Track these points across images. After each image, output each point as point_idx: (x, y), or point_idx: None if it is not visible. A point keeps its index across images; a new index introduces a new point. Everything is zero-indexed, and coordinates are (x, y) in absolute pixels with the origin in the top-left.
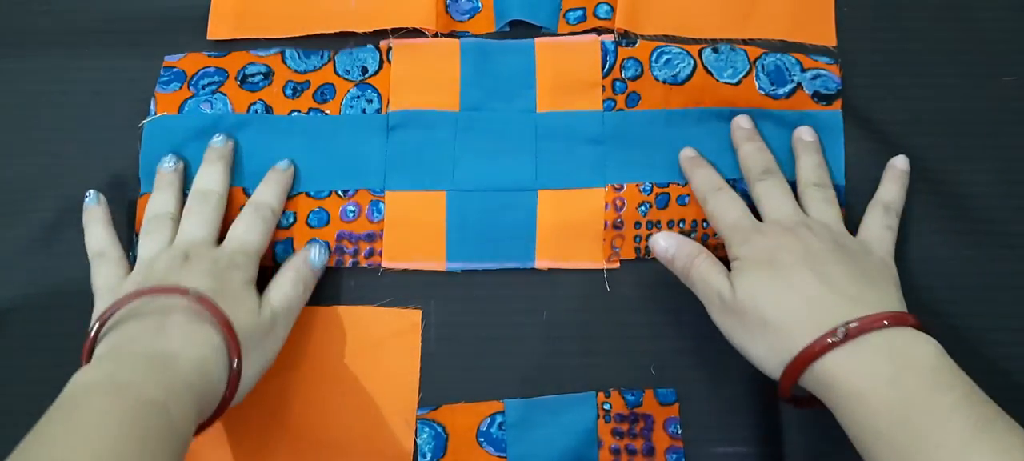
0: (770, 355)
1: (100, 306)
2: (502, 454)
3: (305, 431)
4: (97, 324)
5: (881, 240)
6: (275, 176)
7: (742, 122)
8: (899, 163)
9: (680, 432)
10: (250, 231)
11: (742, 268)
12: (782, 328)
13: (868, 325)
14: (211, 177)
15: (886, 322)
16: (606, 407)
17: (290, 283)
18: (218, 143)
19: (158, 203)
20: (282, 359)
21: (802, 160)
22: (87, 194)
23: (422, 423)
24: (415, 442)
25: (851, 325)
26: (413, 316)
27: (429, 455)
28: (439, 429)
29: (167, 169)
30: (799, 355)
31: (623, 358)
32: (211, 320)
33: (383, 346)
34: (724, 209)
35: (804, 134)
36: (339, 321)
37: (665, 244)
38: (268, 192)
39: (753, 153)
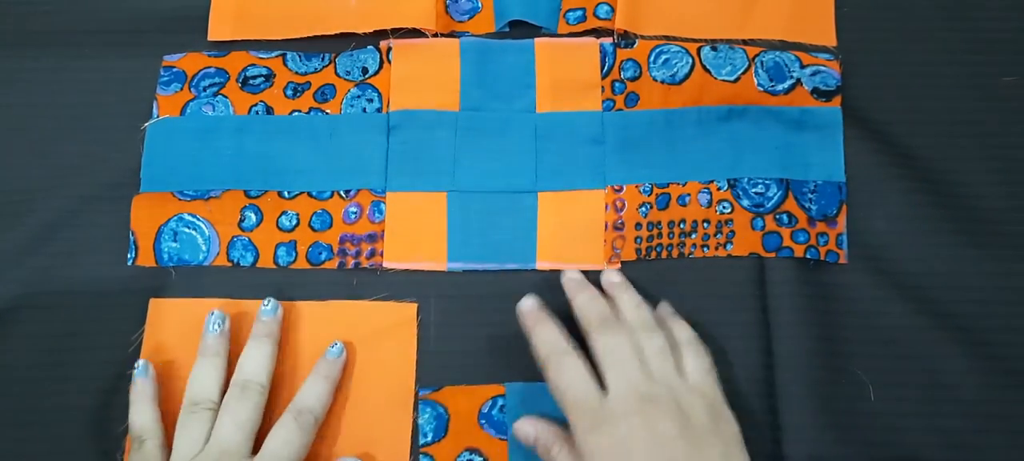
0: None
1: None
2: (503, 436)
3: None
4: None
5: (708, 384)
6: (323, 369)
7: (571, 274)
8: (663, 308)
9: None
10: (287, 445)
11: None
12: None
13: None
14: (255, 362)
15: None
16: None
17: None
18: (266, 315)
19: (199, 384)
20: (278, 354)
21: (620, 301)
22: (137, 365)
23: (424, 403)
24: (416, 422)
25: None
26: (409, 310)
27: (430, 434)
28: (441, 410)
29: (212, 335)
30: None
31: None
32: None
33: (379, 339)
34: (567, 381)
35: (612, 277)
36: (335, 315)
37: (526, 430)
38: (312, 394)
39: (587, 303)
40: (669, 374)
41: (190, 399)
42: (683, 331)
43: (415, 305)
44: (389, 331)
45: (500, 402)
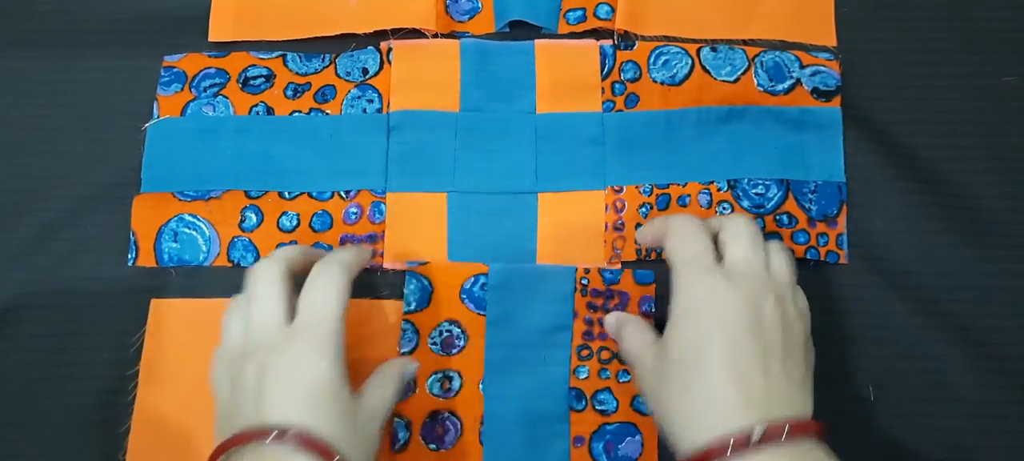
0: (683, 427)
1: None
2: (481, 312)
3: None
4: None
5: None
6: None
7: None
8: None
9: (653, 310)
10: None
11: (688, 306)
12: (703, 403)
13: (795, 430)
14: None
15: (813, 431)
16: (584, 281)
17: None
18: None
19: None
20: None
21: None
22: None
23: (409, 275)
24: (402, 292)
25: (773, 426)
26: (400, 306)
27: (413, 304)
28: (425, 282)
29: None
30: (707, 450)
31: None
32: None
33: (372, 338)
34: (684, 239)
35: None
36: None
37: (609, 321)
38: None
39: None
40: (784, 273)
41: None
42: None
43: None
44: (385, 331)
45: (482, 280)
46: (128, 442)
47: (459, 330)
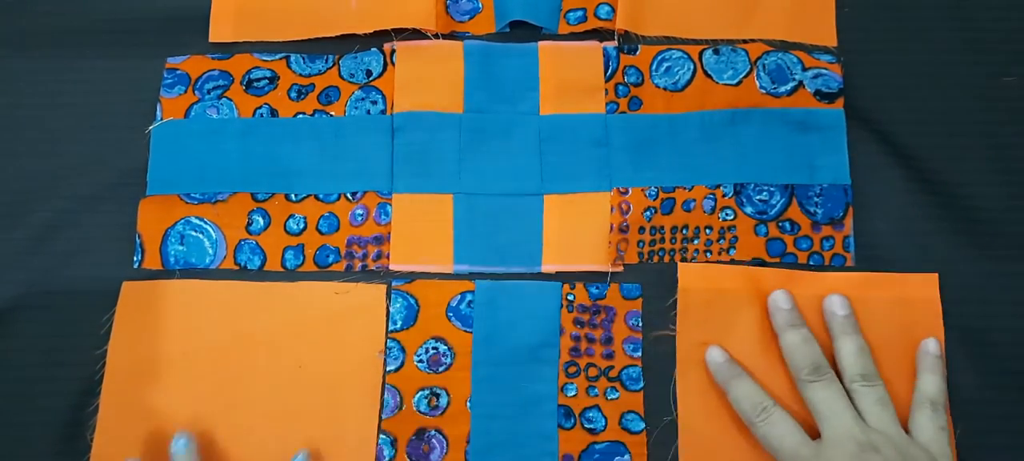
0: None
1: None
2: (468, 329)
3: (266, 404)
4: None
5: (939, 443)
6: None
7: (780, 298)
8: (931, 347)
9: (640, 325)
10: None
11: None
12: None
13: None
14: None
15: None
16: (570, 297)
17: None
18: (179, 450)
19: None
20: (244, 334)
21: (842, 345)
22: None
23: (396, 293)
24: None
25: None
26: (378, 291)
27: (400, 322)
28: (412, 301)
29: (180, 457)
30: None
31: None
32: None
33: (349, 320)
34: (779, 436)
35: (837, 308)
36: (306, 296)
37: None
38: None
39: (799, 346)
40: (888, 424)
41: None
42: (931, 385)
43: (384, 287)
44: (359, 311)
45: (469, 297)
46: (96, 420)
47: (446, 347)
